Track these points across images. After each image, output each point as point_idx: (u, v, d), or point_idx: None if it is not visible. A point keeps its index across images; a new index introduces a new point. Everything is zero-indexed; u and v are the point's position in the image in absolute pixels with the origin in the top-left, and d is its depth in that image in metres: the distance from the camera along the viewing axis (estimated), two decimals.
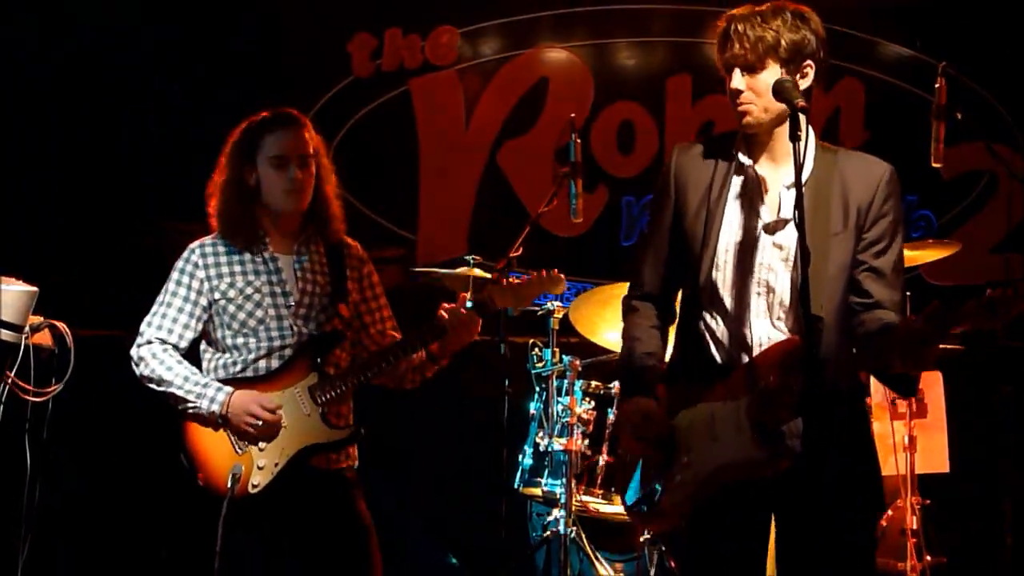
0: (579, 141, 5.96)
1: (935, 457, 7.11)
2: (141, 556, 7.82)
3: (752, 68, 4.36)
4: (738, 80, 4.38)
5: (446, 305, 5.41)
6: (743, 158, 4.49)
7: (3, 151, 8.29)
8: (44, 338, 5.59)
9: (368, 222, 8.78)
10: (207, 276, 5.44)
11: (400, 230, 9.05)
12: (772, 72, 4.34)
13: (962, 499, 7.64)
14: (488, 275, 5.80)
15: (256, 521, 5.25)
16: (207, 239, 5.54)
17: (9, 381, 5.43)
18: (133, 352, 5.44)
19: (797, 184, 4.08)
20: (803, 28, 4.38)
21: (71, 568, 7.74)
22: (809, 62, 4.38)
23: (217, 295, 5.42)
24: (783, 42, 4.35)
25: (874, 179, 4.38)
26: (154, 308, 5.49)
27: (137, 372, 5.42)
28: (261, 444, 5.28)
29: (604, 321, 7.24)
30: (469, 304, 5.44)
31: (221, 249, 5.49)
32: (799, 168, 4.09)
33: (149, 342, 5.42)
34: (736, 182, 4.49)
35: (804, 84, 4.38)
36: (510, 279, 5.51)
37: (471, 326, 5.45)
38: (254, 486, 5.25)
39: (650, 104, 9.06)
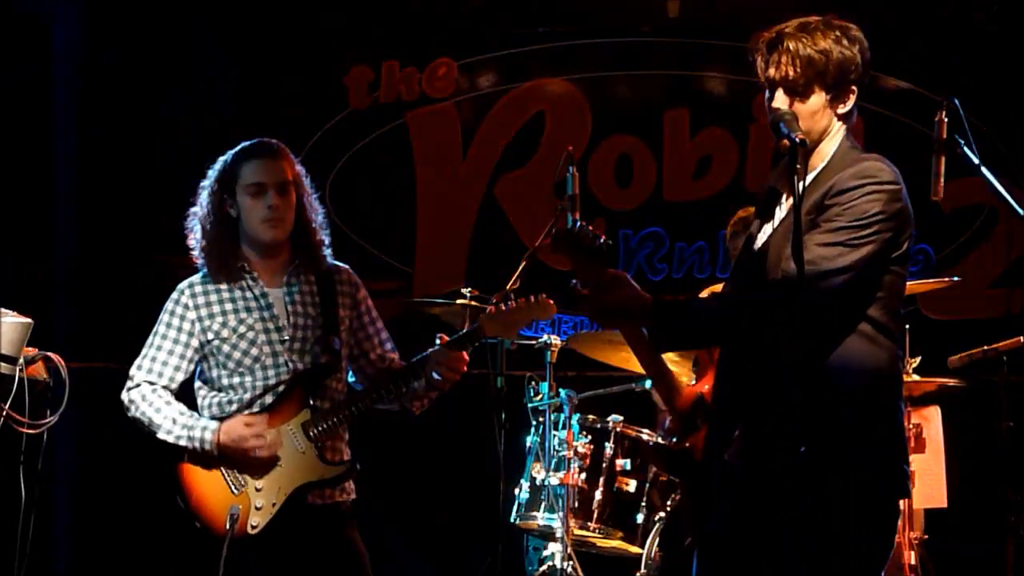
0: (577, 174, 5.94)
1: (934, 492, 7.08)
2: None
3: (798, 92, 4.22)
4: (779, 99, 4.22)
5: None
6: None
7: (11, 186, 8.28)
8: (39, 370, 5.56)
9: (365, 254, 8.77)
10: (198, 317, 5.38)
11: (397, 263, 9.03)
12: (817, 98, 4.22)
13: (961, 535, 7.61)
14: (485, 308, 5.75)
15: (254, 561, 5.21)
16: (196, 278, 5.46)
17: (4, 413, 5.40)
18: (124, 396, 5.40)
19: (796, 217, 4.04)
20: (850, 49, 4.23)
21: None
22: (853, 87, 4.26)
23: (210, 335, 5.36)
24: (831, 68, 4.20)
25: (840, 179, 4.18)
26: (144, 351, 5.44)
27: (128, 415, 5.39)
28: (258, 484, 5.24)
29: (602, 354, 7.24)
30: (445, 341, 5.40)
31: (211, 287, 5.42)
32: (799, 202, 4.05)
33: (138, 385, 5.38)
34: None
35: (844, 109, 4.27)
36: (499, 306, 5.47)
37: (453, 362, 5.40)
38: (253, 527, 5.20)
39: (648, 137, 9.05)
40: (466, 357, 5.44)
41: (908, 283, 6.44)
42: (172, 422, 5.29)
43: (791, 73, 4.21)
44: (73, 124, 8.58)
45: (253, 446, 5.22)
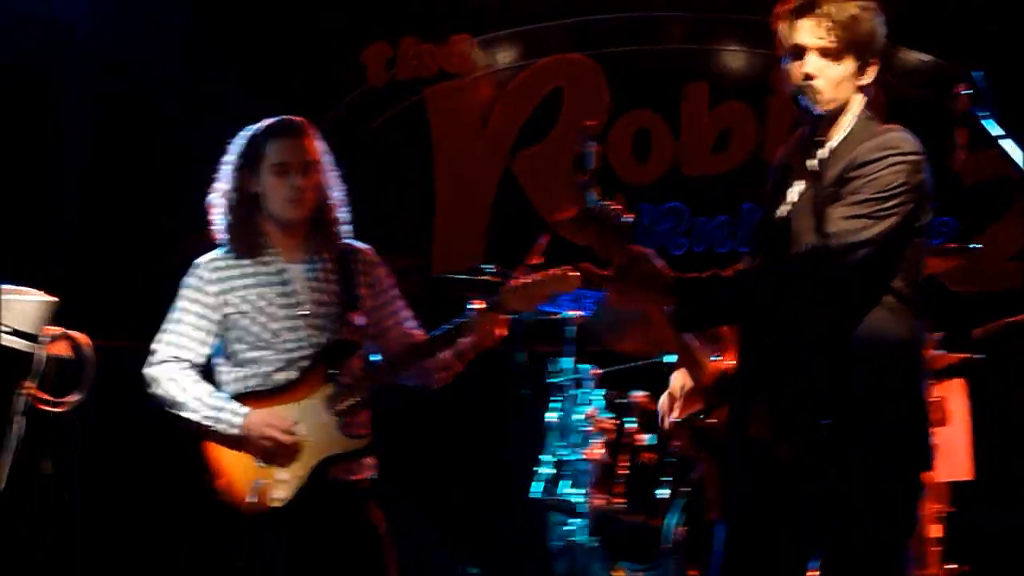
0: (597, 148, 5.91)
1: (958, 464, 7.05)
2: (161, 566, 7.81)
3: (832, 56, 4.21)
4: (813, 64, 4.21)
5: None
6: None
7: (26, 165, 8.28)
8: (62, 348, 5.57)
9: (383, 232, 8.73)
10: (219, 291, 5.39)
11: (415, 240, 9.03)
12: (848, 64, 4.23)
13: (988, 506, 7.59)
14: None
15: (278, 534, 5.22)
16: (214, 252, 5.48)
17: (27, 392, 5.41)
18: (146, 372, 5.40)
19: (817, 190, 4.03)
20: (874, 22, 4.26)
21: None
22: (875, 60, 4.28)
23: (230, 309, 5.37)
24: (862, 35, 4.21)
25: (862, 150, 4.20)
26: (165, 325, 5.44)
27: (150, 392, 5.39)
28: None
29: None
30: (482, 305, 5.39)
31: (232, 262, 5.44)
32: (819, 174, 4.04)
33: (163, 361, 5.38)
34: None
35: (865, 81, 4.28)
36: (520, 279, 5.43)
37: (488, 325, 5.41)
38: (277, 500, 5.22)
39: (666, 112, 9.02)
40: (499, 321, 5.43)
41: (931, 261, 6.46)
42: (199, 402, 5.29)
43: (828, 37, 4.20)
44: (73, 124, 8.58)
45: (279, 440, 5.23)
